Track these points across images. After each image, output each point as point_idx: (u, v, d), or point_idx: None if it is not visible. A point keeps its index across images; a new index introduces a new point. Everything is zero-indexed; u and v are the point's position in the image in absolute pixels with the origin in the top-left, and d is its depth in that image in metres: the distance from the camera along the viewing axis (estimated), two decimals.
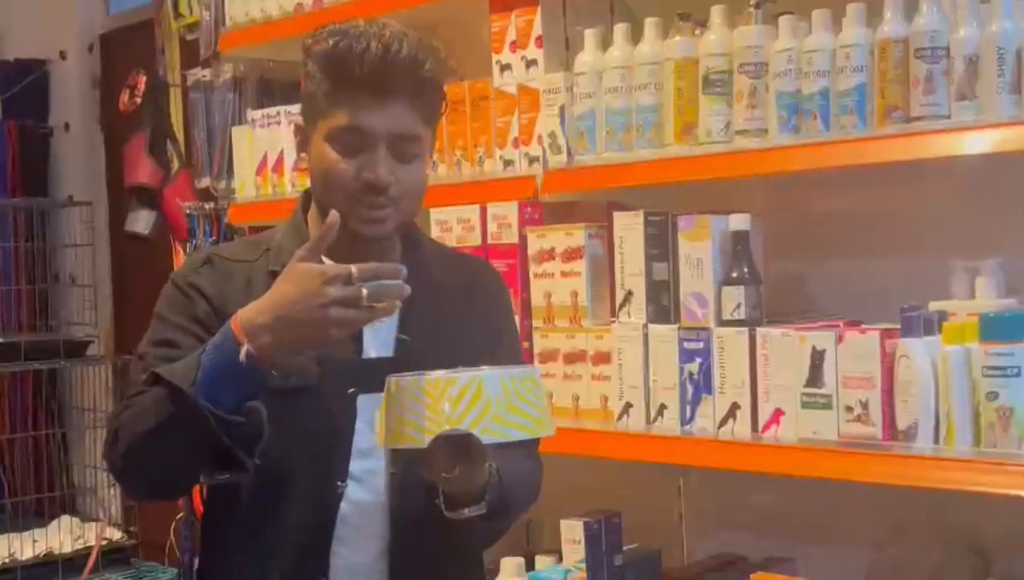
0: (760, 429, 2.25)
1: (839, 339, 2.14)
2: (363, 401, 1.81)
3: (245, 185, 3.40)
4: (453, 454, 1.59)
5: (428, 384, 1.58)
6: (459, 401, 1.57)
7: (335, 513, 1.80)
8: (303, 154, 1.86)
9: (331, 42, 1.78)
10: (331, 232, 1.65)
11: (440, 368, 1.65)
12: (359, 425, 1.81)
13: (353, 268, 1.61)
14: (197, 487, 3.56)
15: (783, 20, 2.25)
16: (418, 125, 1.79)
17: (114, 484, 4.59)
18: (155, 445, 1.68)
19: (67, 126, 4.98)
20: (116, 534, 4.56)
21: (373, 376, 1.75)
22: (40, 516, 4.61)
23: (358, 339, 1.83)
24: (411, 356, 1.81)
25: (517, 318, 2.25)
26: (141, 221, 3.97)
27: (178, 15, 4.03)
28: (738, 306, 2.29)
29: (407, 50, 1.75)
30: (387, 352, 1.85)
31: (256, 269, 1.84)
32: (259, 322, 1.63)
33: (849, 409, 2.12)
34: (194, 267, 1.87)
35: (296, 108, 3.18)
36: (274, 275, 1.73)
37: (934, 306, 2.13)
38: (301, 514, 1.79)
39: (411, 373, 1.64)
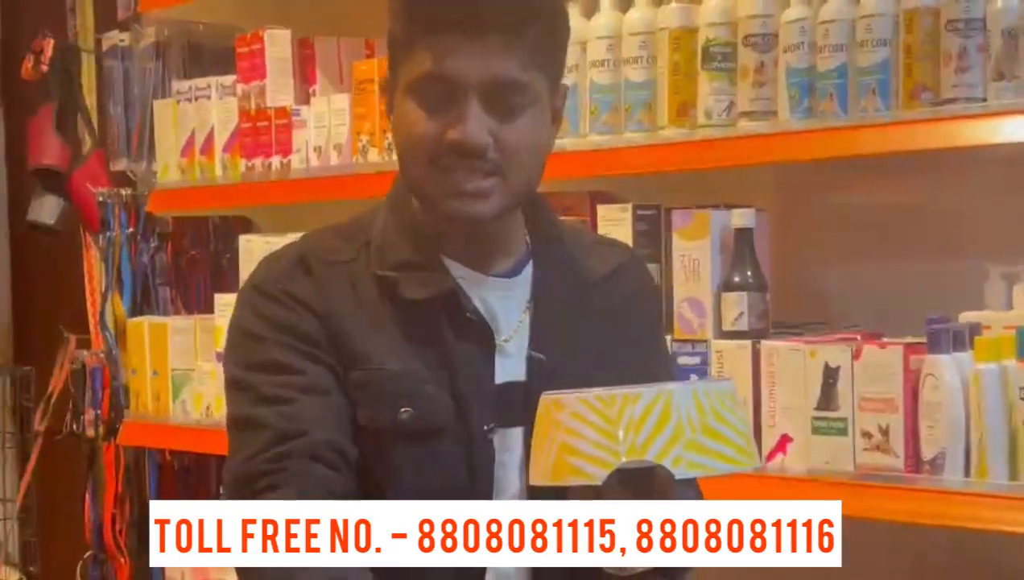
0: (765, 458, 2.26)
1: (856, 354, 2.15)
2: (501, 440, 1.65)
3: (168, 168, 3.38)
4: (632, 493, 1.46)
5: (600, 402, 1.44)
6: (642, 424, 1.42)
7: (481, 576, 1.63)
8: (392, 118, 1.67)
9: None
10: None
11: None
12: (499, 471, 1.65)
13: None
14: (107, 517, 3.59)
15: None
16: (524, 68, 1.58)
17: (10, 517, 4.56)
18: None
19: None
20: (13, 575, 4.53)
21: (505, 407, 1.63)
22: None
23: (491, 359, 1.66)
24: (545, 379, 1.62)
25: None
26: (46, 209, 3.94)
27: None
28: (740, 315, 2.30)
29: None
30: (518, 375, 1.67)
31: (357, 272, 1.66)
32: None
33: (867, 435, 2.13)
34: (286, 272, 1.67)
35: (230, 79, 3.24)
36: (380, 281, 1.63)
37: (965, 317, 2.15)
38: (441, 576, 1.61)
39: (572, 390, 1.50)
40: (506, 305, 1.68)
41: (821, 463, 2.19)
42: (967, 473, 2.03)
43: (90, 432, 3.61)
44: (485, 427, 1.63)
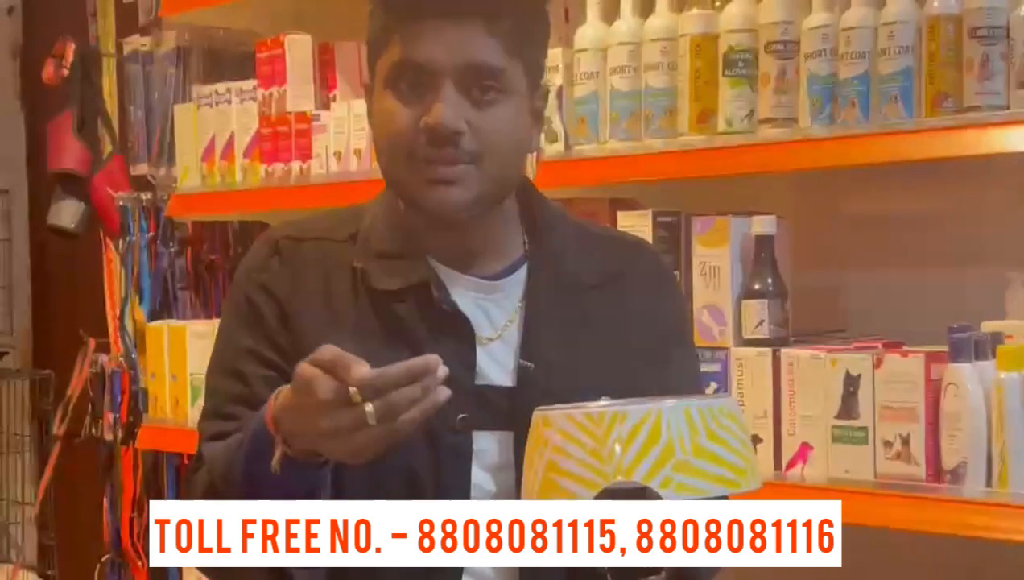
0: (784, 467, 2.25)
1: (876, 363, 2.15)
2: (481, 440, 1.61)
3: (189, 172, 3.39)
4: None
5: (589, 420, 1.40)
6: (630, 443, 1.38)
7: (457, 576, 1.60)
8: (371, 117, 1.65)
9: None
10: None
11: (577, 402, 1.47)
12: (476, 473, 1.61)
13: (351, 387, 1.40)
14: (125, 521, 3.60)
15: None
16: (499, 53, 1.55)
17: (29, 520, 4.57)
18: None
19: None
20: (31, 579, 4.54)
21: (486, 409, 1.59)
22: None
23: (471, 355, 1.62)
24: (535, 388, 1.58)
25: None
26: (66, 213, 3.95)
27: None
28: (761, 323, 2.30)
29: None
30: (506, 380, 1.63)
31: (337, 258, 1.64)
32: (288, 425, 1.46)
33: (887, 445, 2.12)
34: (261, 258, 1.67)
35: (250, 84, 3.24)
36: (356, 274, 1.60)
37: (987, 326, 2.14)
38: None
39: (563, 405, 1.46)
40: (488, 306, 1.64)
41: (841, 472, 2.18)
42: (988, 483, 2.02)
43: (109, 436, 3.62)
44: (459, 418, 1.58)
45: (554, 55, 2.58)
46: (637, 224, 2.43)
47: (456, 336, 1.61)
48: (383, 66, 1.59)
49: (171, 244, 3.55)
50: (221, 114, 3.29)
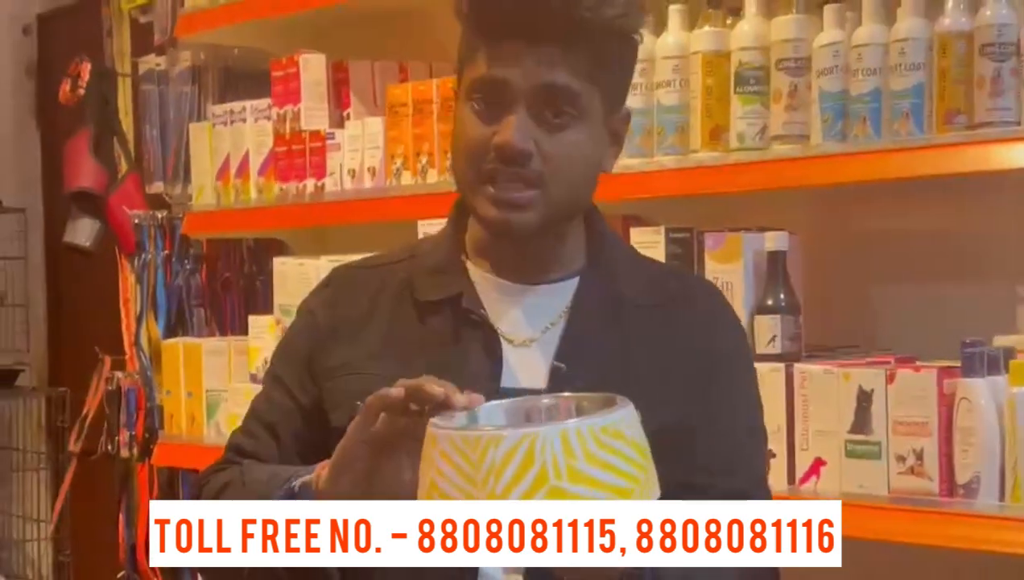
0: (798, 481, 2.25)
1: (889, 378, 2.15)
2: None
3: (204, 191, 3.40)
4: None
5: (466, 443, 1.37)
6: (503, 469, 1.35)
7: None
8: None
9: None
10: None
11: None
12: None
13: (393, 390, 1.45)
14: (141, 537, 3.60)
15: (828, 9, 2.27)
16: (575, 77, 1.57)
17: (44, 538, 4.58)
18: None
19: None
20: None
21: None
22: None
23: (496, 362, 1.63)
24: (565, 390, 1.55)
25: None
26: (82, 232, 3.97)
27: None
28: (773, 338, 2.30)
29: None
30: (537, 382, 1.62)
31: (391, 277, 1.69)
32: (331, 488, 1.51)
33: (901, 459, 2.13)
34: (316, 289, 1.77)
35: (265, 102, 3.25)
36: (404, 286, 1.66)
37: (1000, 341, 2.14)
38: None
39: (449, 419, 1.44)
40: (529, 307, 1.65)
41: (855, 487, 2.18)
42: (1002, 497, 2.02)
43: (124, 453, 3.63)
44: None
45: None
46: (650, 240, 2.43)
47: (482, 340, 1.64)
48: (466, 80, 1.63)
49: (186, 262, 3.57)
50: (236, 132, 3.31)
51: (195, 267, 3.58)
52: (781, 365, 2.27)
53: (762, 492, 1.65)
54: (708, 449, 1.61)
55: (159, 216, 3.61)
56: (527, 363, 1.64)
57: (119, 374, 3.67)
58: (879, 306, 2.55)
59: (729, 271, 2.34)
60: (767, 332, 2.30)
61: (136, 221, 3.63)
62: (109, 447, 3.68)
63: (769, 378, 2.28)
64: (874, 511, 2.12)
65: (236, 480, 1.65)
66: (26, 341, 4.78)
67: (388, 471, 1.48)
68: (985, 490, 2.03)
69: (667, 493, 1.49)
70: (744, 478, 1.63)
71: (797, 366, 2.27)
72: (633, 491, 1.38)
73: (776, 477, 2.25)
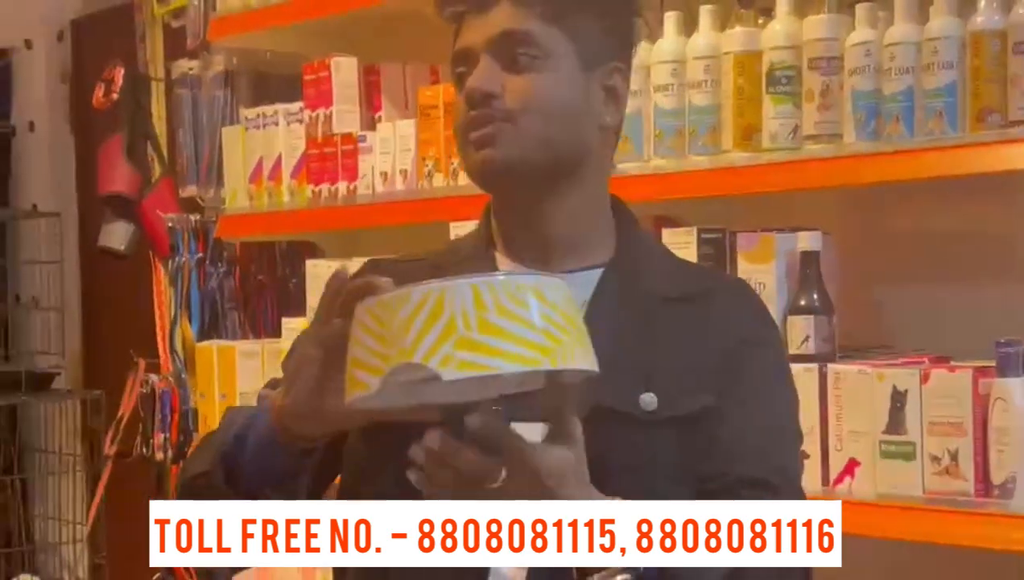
0: (832, 482, 2.25)
1: (924, 378, 2.14)
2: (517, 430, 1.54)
3: (237, 194, 3.42)
4: (459, 433, 1.37)
5: (379, 306, 1.34)
6: (412, 320, 1.31)
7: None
8: None
9: None
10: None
11: (620, 402, 1.51)
12: None
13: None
14: None
15: (860, 8, 2.26)
16: (530, 19, 1.60)
17: (80, 540, 4.61)
18: None
19: (31, 125, 5.02)
20: None
21: (522, 399, 1.52)
22: None
23: None
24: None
25: None
26: (116, 235, 3.99)
27: None
28: (807, 339, 2.30)
29: None
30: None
31: (426, 267, 1.67)
32: (284, 399, 1.52)
33: (936, 460, 2.12)
34: (359, 271, 1.73)
35: (297, 105, 3.26)
36: (434, 273, 1.59)
37: None
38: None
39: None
40: None
41: (889, 487, 2.17)
42: None
43: (159, 455, 3.65)
44: (492, 408, 1.52)
45: None
46: (683, 241, 2.43)
47: None
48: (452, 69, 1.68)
49: (220, 265, 3.58)
50: (268, 136, 3.32)
51: (228, 270, 3.60)
52: (815, 366, 2.27)
53: (788, 487, 1.60)
54: (728, 438, 1.59)
55: (192, 219, 3.63)
56: None
57: (153, 377, 3.69)
58: (913, 306, 2.54)
59: (762, 271, 2.34)
60: (800, 333, 2.30)
61: (170, 224, 3.64)
62: (144, 450, 3.70)
63: (803, 379, 2.27)
64: (909, 512, 2.12)
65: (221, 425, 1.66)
66: (61, 344, 4.81)
67: (339, 383, 1.43)
68: (1021, 490, 2.02)
69: (687, 484, 1.53)
70: (760, 467, 1.59)
71: (831, 366, 2.26)
72: (551, 350, 1.33)
73: (810, 478, 2.24)
